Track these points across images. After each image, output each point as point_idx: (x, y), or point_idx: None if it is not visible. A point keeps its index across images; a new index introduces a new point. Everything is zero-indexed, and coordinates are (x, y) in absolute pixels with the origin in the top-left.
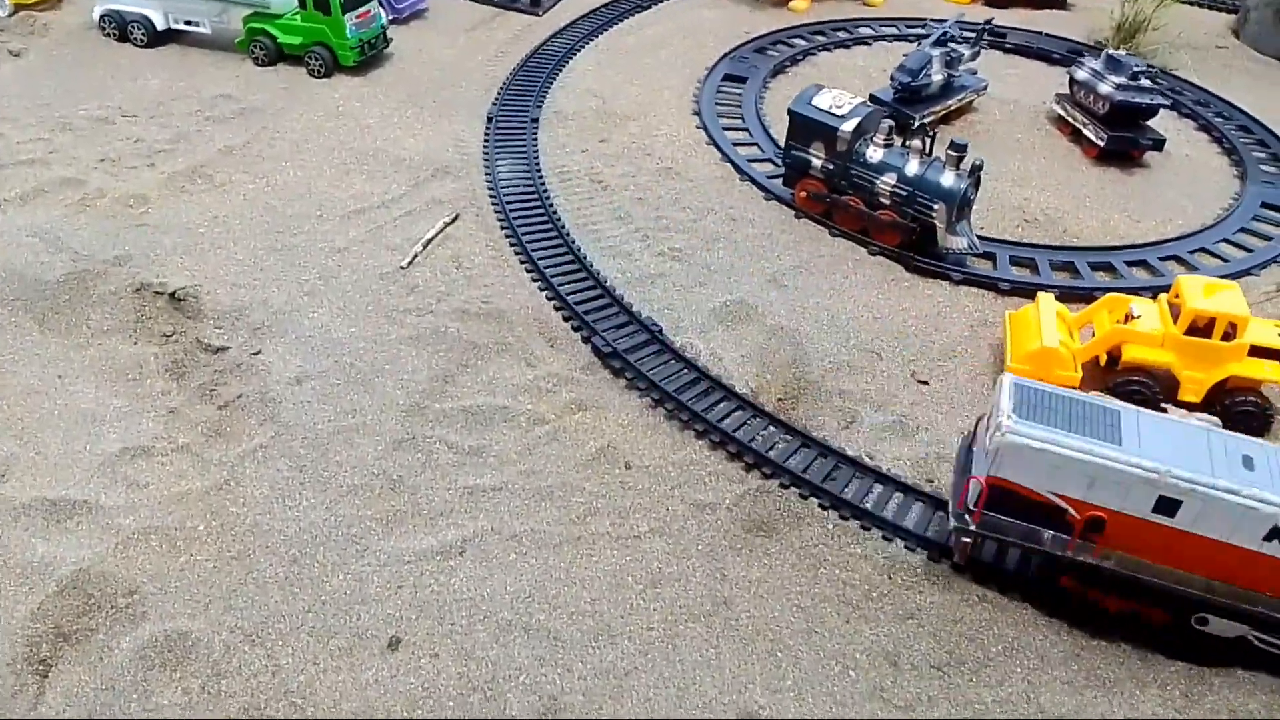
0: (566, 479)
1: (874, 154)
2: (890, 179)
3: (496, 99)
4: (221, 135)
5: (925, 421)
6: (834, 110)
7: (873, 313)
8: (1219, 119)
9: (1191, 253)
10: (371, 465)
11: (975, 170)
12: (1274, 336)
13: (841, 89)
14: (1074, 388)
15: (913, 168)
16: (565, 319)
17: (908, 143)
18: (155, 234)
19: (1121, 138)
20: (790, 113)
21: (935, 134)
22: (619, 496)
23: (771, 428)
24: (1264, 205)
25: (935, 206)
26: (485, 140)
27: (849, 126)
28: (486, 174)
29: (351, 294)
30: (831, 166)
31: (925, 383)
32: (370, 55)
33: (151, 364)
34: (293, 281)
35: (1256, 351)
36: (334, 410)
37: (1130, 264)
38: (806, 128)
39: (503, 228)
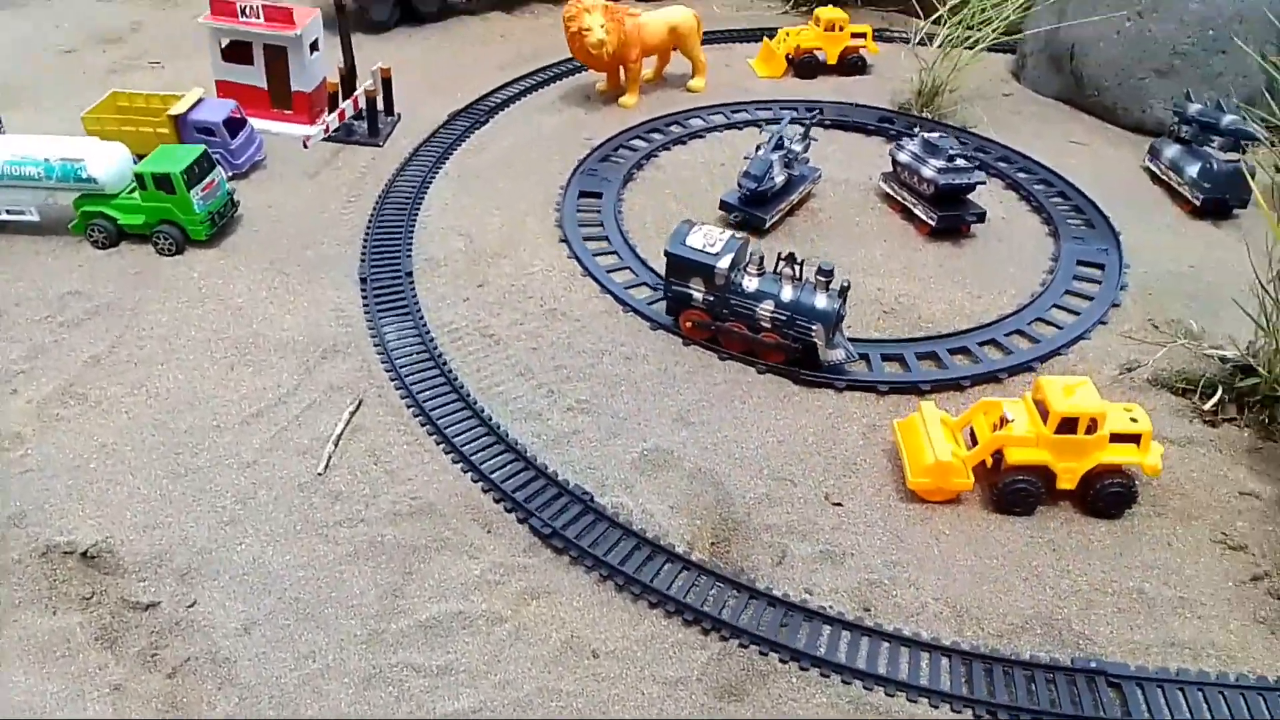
0: (541, 682)
1: (750, 283)
2: (769, 306)
3: (364, 253)
4: (82, 342)
5: (849, 546)
6: (708, 248)
7: (775, 436)
8: (1022, 174)
9: (1030, 323)
10: (348, 713)
11: (844, 291)
12: (1127, 421)
13: (711, 226)
14: (968, 492)
15: (788, 293)
16: (496, 500)
17: (779, 270)
18: (43, 479)
19: (949, 216)
20: (667, 254)
21: (803, 261)
22: (595, 691)
23: (718, 585)
24: (1079, 263)
25: (814, 327)
26: (365, 305)
27: (724, 263)
28: (376, 345)
29: (275, 514)
30: (713, 298)
31: (839, 504)
32: (221, 225)
33: (79, 635)
34: (208, 511)
35: (1116, 438)
36: (292, 657)
37: (982, 344)
38: (684, 267)
39: (409, 406)
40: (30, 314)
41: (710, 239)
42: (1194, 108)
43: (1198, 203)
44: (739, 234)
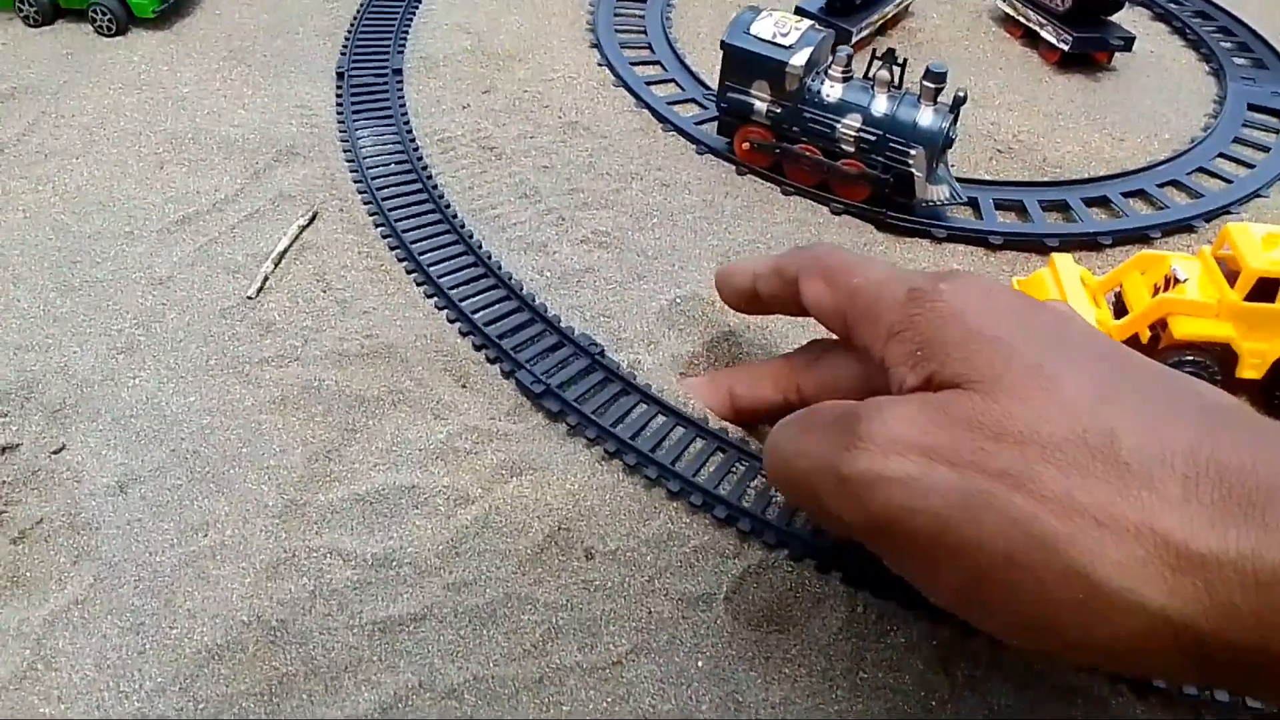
0: (511, 587)
1: (831, 91)
2: (854, 121)
3: (346, 46)
4: None
5: None
6: (778, 39)
7: None
8: (1174, 3)
9: (1190, 174)
10: (239, 609)
11: (958, 104)
12: None
13: (784, 11)
14: None
15: (881, 105)
16: (477, 346)
17: (873, 74)
18: None
19: (1087, 39)
20: (724, 46)
21: (905, 60)
22: (584, 604)
23: (763, 475)
24: (1250, 107)
25: (912, 152)
26: (339, 105)
27: (800, 59)
28: (346, 151)
29: (185, 344)
30: (780, 110)
31: None
32: (174, 1)
33: None
34: (100, 335)
35: None
36: (177, 529)
37: (1127, 195)
38: (745, 64)
39: (377, 224)
40: None
41: (783, 27)
42: None
43: None
44: (820, 26)
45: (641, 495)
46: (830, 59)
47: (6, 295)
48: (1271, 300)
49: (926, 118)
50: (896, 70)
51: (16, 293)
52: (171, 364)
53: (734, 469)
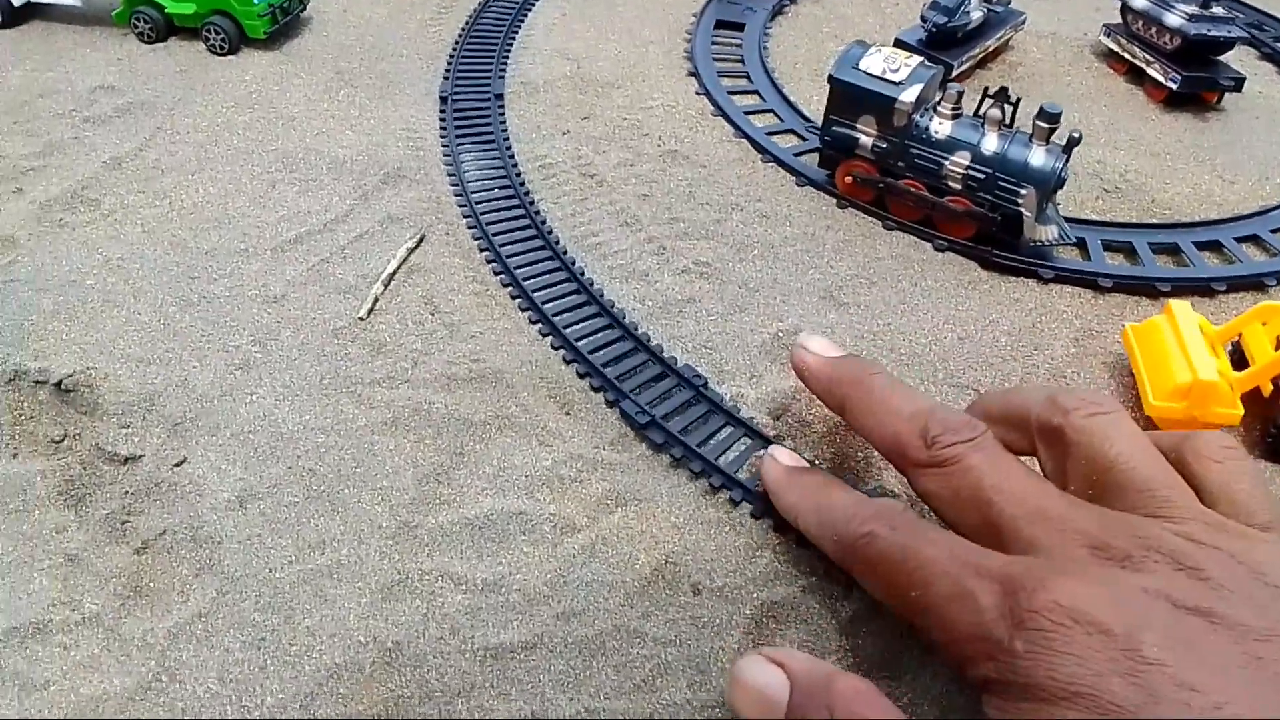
0: (619, 619)
1: (940, 128)
2: (963, 158)
3: (449, 71)
4: (106, 142)
5: None
6: (888, 75)
7: (956, 331)
8: None
9: None
10: (355, 630)
11: (1071, 144)
12: None
13: (893, 49)
14: (1233, 426)
15: (991, 144)
16: (580, 374)
17: (984, 112)
18: (29, 293)
19: (1197, 78)
20: (832, 80)
21: (1019, 100)
22: (693, 640)
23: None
24: None
25: (1023, 191)
26: (443, 127)
27: (909, 95)
28: (450, 174)
29: (300, 363)
30: (885, 145)
31: None
32: (284, 23)
33: (39, 486)
34: (218, 350)
35: None
36: (295, 546)
37: (1241, 239)
38: (854, 98)
39: (482, 249)
40: (54, 107)
41: (893, 63)
42: None
43: None
44: (930, 64)
45: (747, 530)
46: (940, 95)
47: (128, 308)
48: None
49: (1039, 157)
50: (1009, 109)
51: (138, 305)
52: (287, 381)
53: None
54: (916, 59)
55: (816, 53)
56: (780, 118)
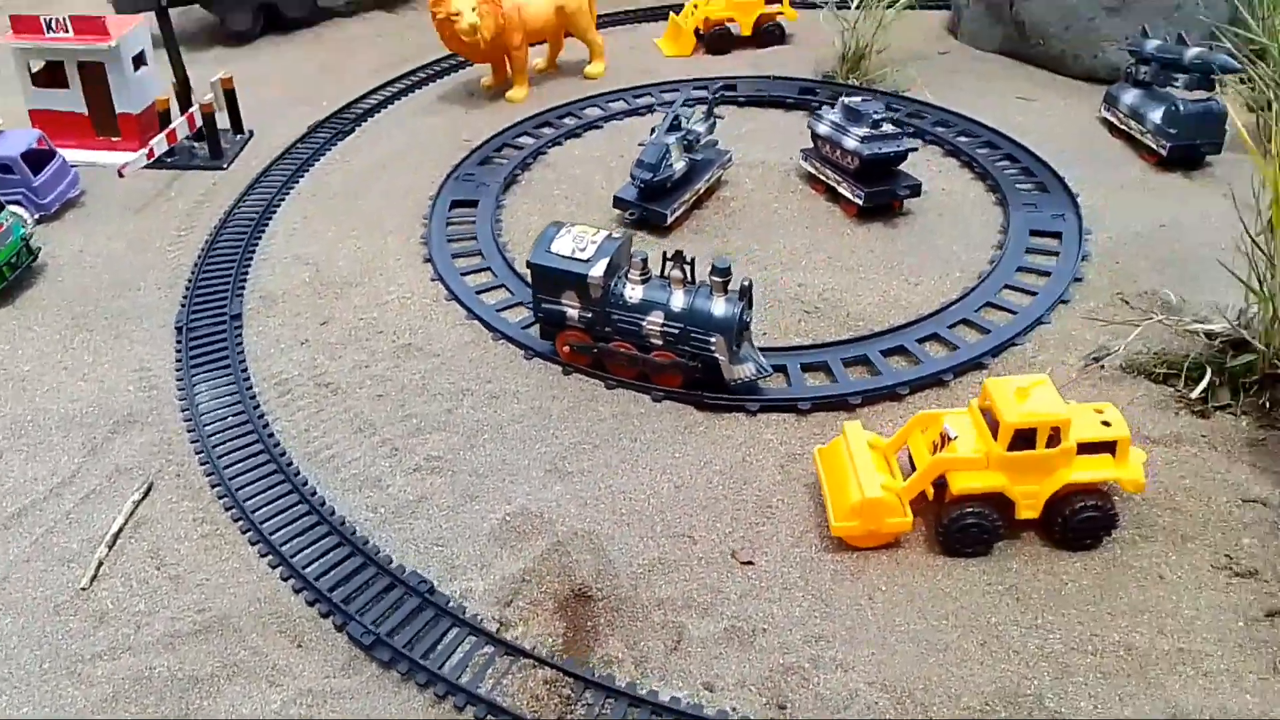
0: None
1: (633, 293)
2: (658, 318)
3: (185, 298)
4: None
5: (761, 618)
6: (577, 254)
7: (673, 481)
8: (963, 138)
9: (978, 310)
10: None
11: (745, 291)
12: (1098, 426)
13: (582, 227)
14: (906, 533)
15: (679, 301)
16: (309, 601)
17: (667, 273)
18: None
19: (879, 192)
20: (530, 265)
21: (693, 260)
22: None
23: (590, 691)
24: (1033, 233)
25: (713, 340)
26: (178, 360)
27: (599, 270)
28: (184, 411)
29: (17, 650)
30: (590, 314)
31: (749, 563)
32: (13, 278)
33: None
34: None
35: (1085, 449)
36: None
37: (922, 340)
38: (552, 279)
39: (214, 485)
40: None
41: (580, 242)
42: (1152, 44)
43: (1164, 152)
44: (616, 233)
45: None
46: (628, 263)
47: None
48: (1032, 446)
49: (720, 308)
50: (686, 268)
51: None
52: (5, 674)
53: (560, 692)
54: (604, 233)
55: (549, 215)
56: (511, 291)
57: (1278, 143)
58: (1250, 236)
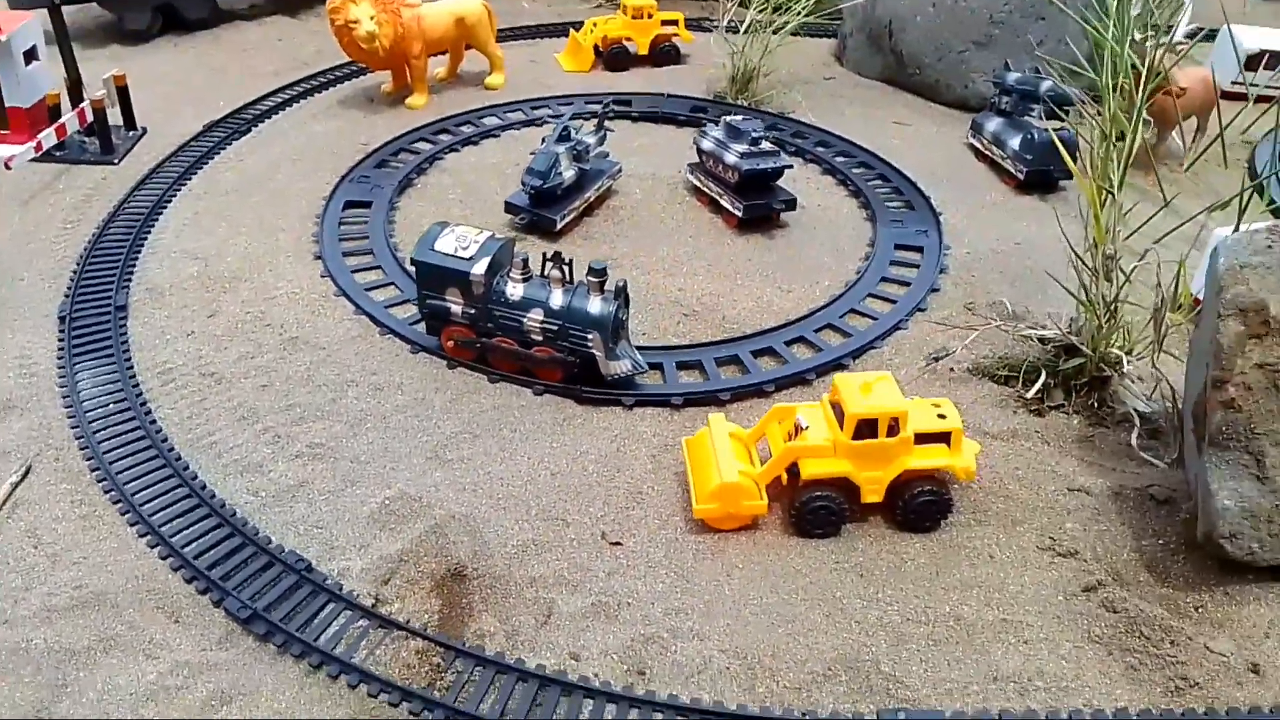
0: None
1: (514, 291)
2: (537, 315)
3: (70, 289)
4: None
5: (626, 594)
6: (460, 252)
7: (549, 468)
8: (840, 158)
9: (843, 316)
10: None
11: (620, 291)
12: (934, 419)
13: (466, 228)
14: (762, 516)
15: (557, 299)
16: (187, 579)
17: (547, 273)
18: None
19: (756, 205)
20: (414, 262)
21: (571, 260)
22: None
23: (460, 660)
24: (897, 247)
25: (590, 337)
26: (60, 348)
27: (480, 269)
28: (65, 398)
29: None
30: (474, 311)
31: (618, 543)
32: None
33: None
34: None
35: (922, 439)
36: None
37: (790, 343)
38: (436, 275)
39: (93, 469)
40: None
41: (464, 241)
42: (1012, 76)
43: (1022, 176)
44: (499, 235)
45: (346, 703)
46: (510, 262)
47: None
48: (874, 436)
49: (596, 306)
50: (565, 268)
51: None
52: None
53: (431, 661)
54: (486, 233)
55: (443, 218)
56: (400, 289)
57: (1094, 165)
58: (1073, 251)
